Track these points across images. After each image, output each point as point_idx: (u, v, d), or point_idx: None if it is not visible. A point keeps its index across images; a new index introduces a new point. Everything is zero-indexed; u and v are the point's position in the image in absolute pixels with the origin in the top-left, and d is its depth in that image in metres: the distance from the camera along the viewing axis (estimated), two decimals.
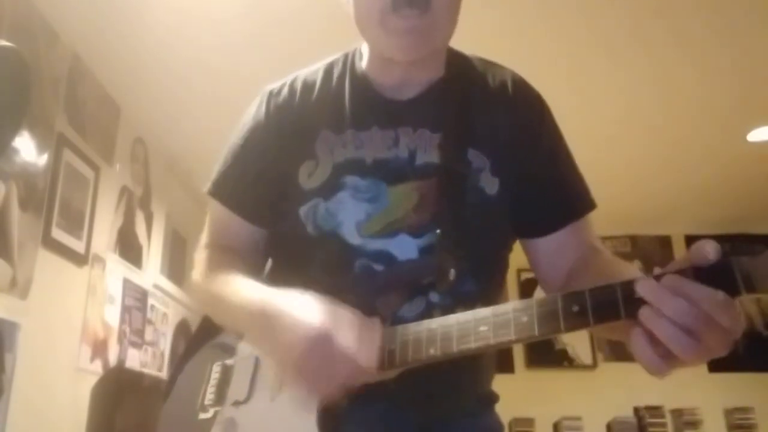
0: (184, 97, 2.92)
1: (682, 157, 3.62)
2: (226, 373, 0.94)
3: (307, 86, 0.99)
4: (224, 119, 3.09)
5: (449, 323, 0.72)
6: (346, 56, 1.02)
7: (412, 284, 0.85)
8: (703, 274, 0.59)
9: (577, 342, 4.51)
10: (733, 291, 0.58)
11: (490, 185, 0.91)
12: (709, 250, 0.59)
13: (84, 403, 2.40)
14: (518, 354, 4.42)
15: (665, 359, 0.59)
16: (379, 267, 0.87)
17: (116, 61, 2.62)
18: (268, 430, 0.85)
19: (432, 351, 0.72)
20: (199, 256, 1.02)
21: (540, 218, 0.90)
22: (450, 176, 0.89)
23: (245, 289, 0.87)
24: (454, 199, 0.89)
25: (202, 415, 0.93)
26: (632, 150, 3.49)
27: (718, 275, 0.59)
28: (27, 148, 2.13)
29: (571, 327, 0.64)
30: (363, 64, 0.98)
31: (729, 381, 4.35)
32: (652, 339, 0.59)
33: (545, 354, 4.44)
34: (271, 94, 1.01)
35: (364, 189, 0.90)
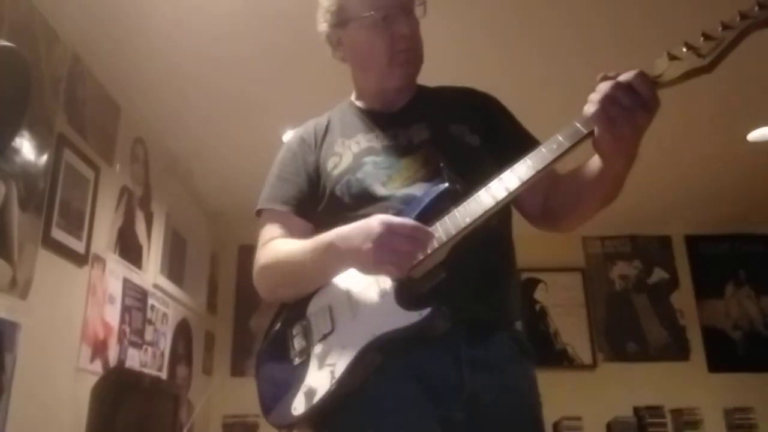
0: (183, 97, 2.92)
1: (682, 157, 3.63)
2: (306, 327, 1.11)
3: (320, 123, 1.31)
4: (224, 120, 3.13)
5: (468, 201, 1.01)
6: (341, 104, 1.35)
7: (434, 204, 1.05)
8: None
9: (577, 342, 4.52)
10: None
11: (473, 140, 1.21)
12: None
13: (84, 403, 2.40)
14: None
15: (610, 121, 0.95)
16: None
17: (116, 61, 2.62)
18: (359, 334, 1.02)
19: (467, 219, 0.99)
20: (260, 251, 1.22)
21: (513, 158, 1.07)
22: (441, 141, 1.19)
23: (305, 242, 1.12)
24: (449, 152, 1.16)
25: (297, 360, 1.09)
26: None
27: None
28: (27, 148, 2.12)
29: (558, 157, 0.98)
30: (359, 104, 1.32)
31: (729, 381, 4.36)
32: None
33: (545, 354, 4.43)
34: (295, 133, 1.32)
35: (381, 162, 1.18)
